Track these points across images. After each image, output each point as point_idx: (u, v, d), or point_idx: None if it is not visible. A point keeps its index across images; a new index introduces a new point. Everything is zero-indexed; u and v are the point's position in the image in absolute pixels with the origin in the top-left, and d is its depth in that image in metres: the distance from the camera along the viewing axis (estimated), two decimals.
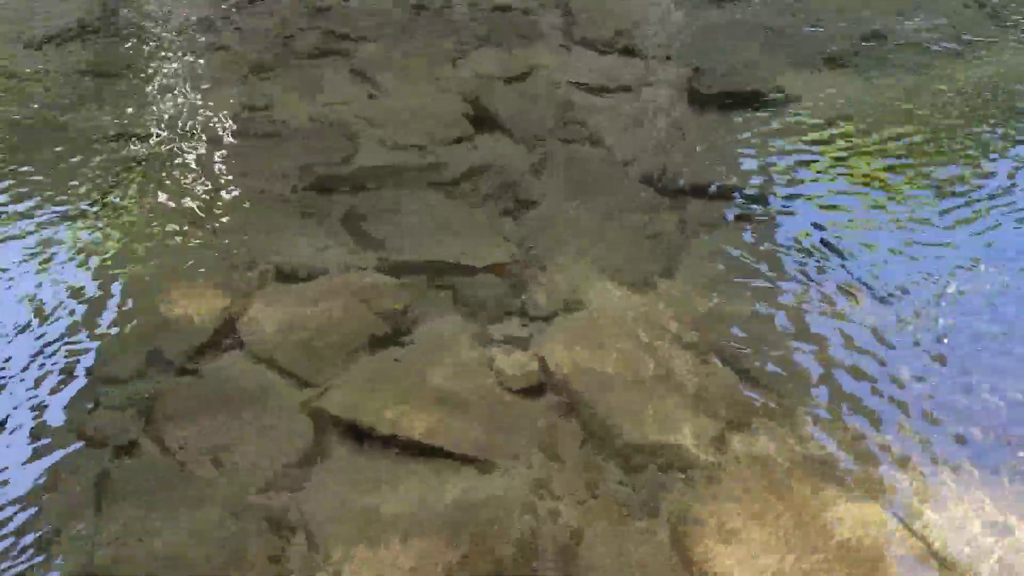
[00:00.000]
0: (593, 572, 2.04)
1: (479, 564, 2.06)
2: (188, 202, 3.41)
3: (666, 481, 2.25)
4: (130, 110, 4.09)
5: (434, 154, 3.73)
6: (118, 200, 3.43)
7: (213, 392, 2.54)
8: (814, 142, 3.82)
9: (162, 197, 3.45)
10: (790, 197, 3.43)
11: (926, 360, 2.62)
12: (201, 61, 4.63)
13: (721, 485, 2.24)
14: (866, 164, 3.66)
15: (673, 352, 2.65)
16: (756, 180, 3.54)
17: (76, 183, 3.53)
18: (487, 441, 2.36)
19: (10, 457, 2.35)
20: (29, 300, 2.89)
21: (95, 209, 3.37)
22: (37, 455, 2.35)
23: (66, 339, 2.73)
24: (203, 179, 3.57)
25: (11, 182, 3.54)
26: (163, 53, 4.71)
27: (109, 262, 3.07)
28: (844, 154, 3.73)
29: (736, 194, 3.45)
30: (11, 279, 2.99)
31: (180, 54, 4.71)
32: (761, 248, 3.14)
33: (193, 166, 3.67)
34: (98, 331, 2.76)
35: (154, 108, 4.13)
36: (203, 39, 4.89)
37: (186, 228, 3.25)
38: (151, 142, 3.83)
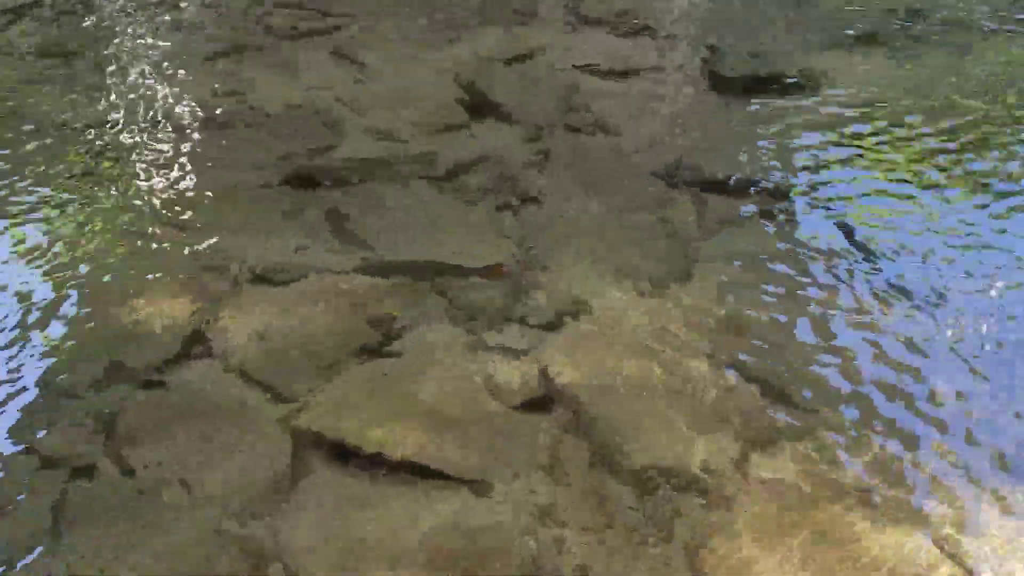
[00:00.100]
0: None
1: None
2: (153, 197, 3.42)
3: (681, 506, 2.27)
4: (86, 95, 4.10)
5: (425, 144, 3.75)
6: (74, 195, 3.44)
7: (181, 407, 2.54)
8: (844, 131, 3.83)
9: (124, 191, 3.46)
10: (816, 192, 3.45)
11: (965, 373, 2.63)
12: (167, 43, 4.65)
13: (740, 510, 2.25)
14: (901, 156, 3.67)
15: (687, 363, 2.66)
16: (778, 173, 3.55)
17: (27, 175, 3.54)
18: (483, 461, 2.37)
19: None
20: None
21: (48, 204, 3.38)
22: None
23: (15, 347, 2.73)
24: (170, 172, 3.58)
25: None
26: (125, 32, 4.72)
27: (64, 263, 3.08)
28: (876, 144, 3.74)
29: (757, 188, 3.47)
30: None
31: (143, 33, 4.72)
32: (784, 248, 3.15)
33: (159, 158, 3.67)
34: (52, 339, 2.77)
35: (114, 93, 4.14)
36: (168, 17, 4.91)
37: (151, 226, 3.26)
38: (112, 130, 3.84)
